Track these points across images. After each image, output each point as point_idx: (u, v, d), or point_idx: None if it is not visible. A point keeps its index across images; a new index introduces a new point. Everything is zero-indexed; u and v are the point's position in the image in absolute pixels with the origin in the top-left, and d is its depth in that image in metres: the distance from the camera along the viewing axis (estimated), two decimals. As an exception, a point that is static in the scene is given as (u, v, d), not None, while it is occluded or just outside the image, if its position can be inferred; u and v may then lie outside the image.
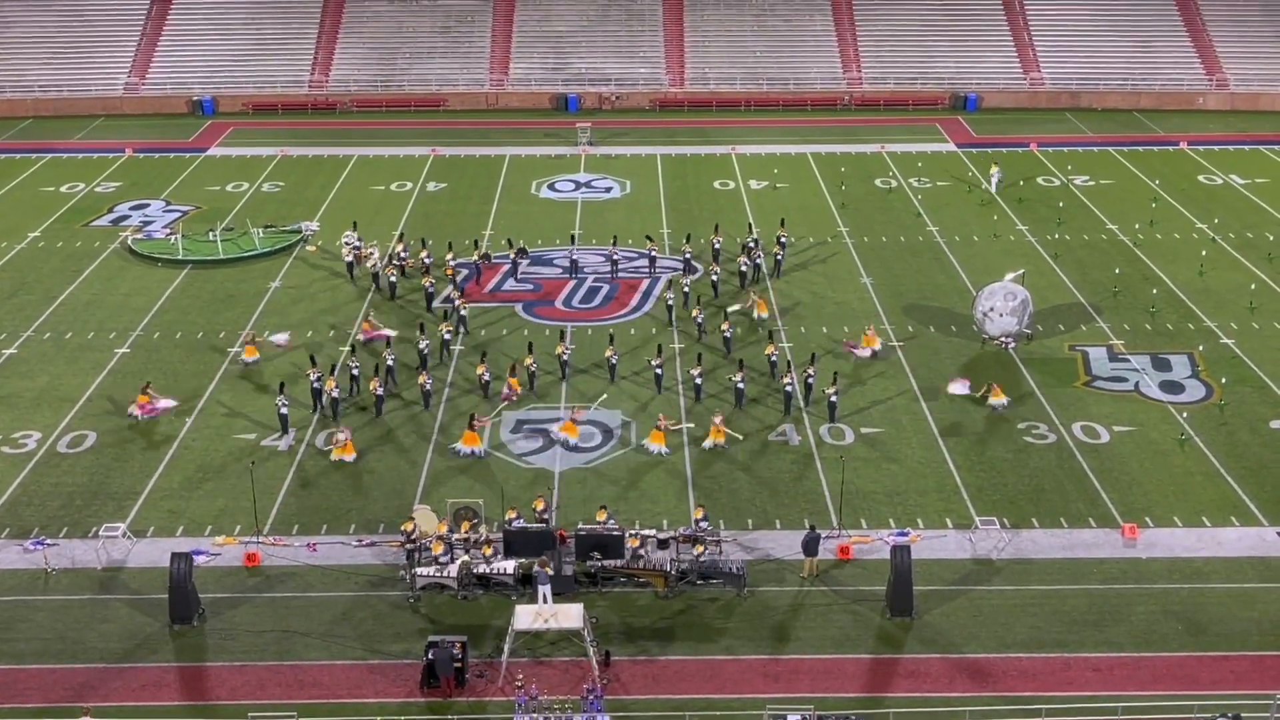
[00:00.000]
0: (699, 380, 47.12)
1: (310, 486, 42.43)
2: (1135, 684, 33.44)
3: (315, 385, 46.82)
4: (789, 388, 47.02)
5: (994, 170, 69.71)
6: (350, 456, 43.51)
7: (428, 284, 55.52)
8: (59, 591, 37.23)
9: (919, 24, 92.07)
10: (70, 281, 58.76)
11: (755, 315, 53.39)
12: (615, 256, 58.97)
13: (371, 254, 57.58)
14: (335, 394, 46.20)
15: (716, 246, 58.78)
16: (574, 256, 60.05)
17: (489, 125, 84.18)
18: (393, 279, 56.24)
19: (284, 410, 45.55)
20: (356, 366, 48.23)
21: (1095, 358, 51.09)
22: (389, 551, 38.69)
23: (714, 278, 56.22)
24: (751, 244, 59.12)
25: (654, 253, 59.71)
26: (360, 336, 51.74)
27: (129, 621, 35.88)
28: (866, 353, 50.37)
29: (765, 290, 56.23)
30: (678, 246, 61.16)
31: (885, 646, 34.96)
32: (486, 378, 47.36)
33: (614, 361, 48.39)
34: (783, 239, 59.56)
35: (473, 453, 43.59)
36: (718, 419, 44.41)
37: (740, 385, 46.58)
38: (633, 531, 38.00)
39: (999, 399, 46.72)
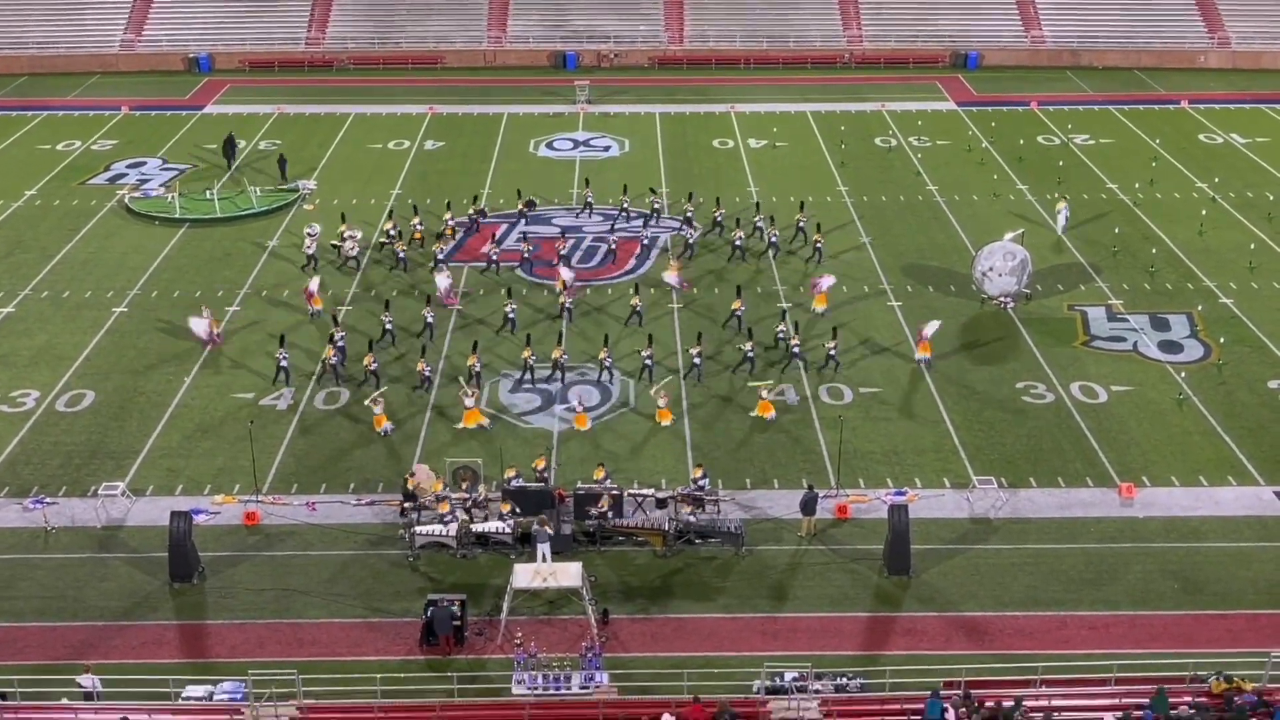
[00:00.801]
0: (698, 360, 46.04)
1: (309, 445, 42.45)
2: (1131, 642, 33.60)
3: (340, 344, 46.61)
4: (796, 349, 46.74)
5: (1061, 208, 59.14)
6: (386, 426, 42.81)
7: (438, 250, 55.27)
8: (58, 550, 37.32)
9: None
10: (67, 240, 58.57)
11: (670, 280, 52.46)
12: (657, 205, 59.69)
13: (352, 237, 55.36)
14: (374, 366, 45.33)
15: (718, 219, 58.25)
16: (625, 204, 60.16)
17: (487, 83, 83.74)
18: (401, 254, 54.71)
19: (284, 364, 45.55)
20: (390, 320, 48.54)
21: (1094, 317, 51.03)
22: (388, 510, 38.78)
23: (690, 239, 56.22)
24: (761, 224, 57.42)
25: (658, 205, 59.91)
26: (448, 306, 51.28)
27: (128, 580, 35.99)
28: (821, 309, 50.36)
29: (768, 264, 55.62)
30: (679, 206, 60.94)
31: (883, 605, 35.09)
32: (478, 367, 45.35)
33: (563, 361, 45.94)
34: (801, 223, 57.37)
35: (480, 428, 43.15)
36: (764, 392, 43.81)
37: (750, 354, 46.21)
38: (607, 487, 37.84)
39: (925, 354, 46.81)
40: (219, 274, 55.02)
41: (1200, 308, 51.63)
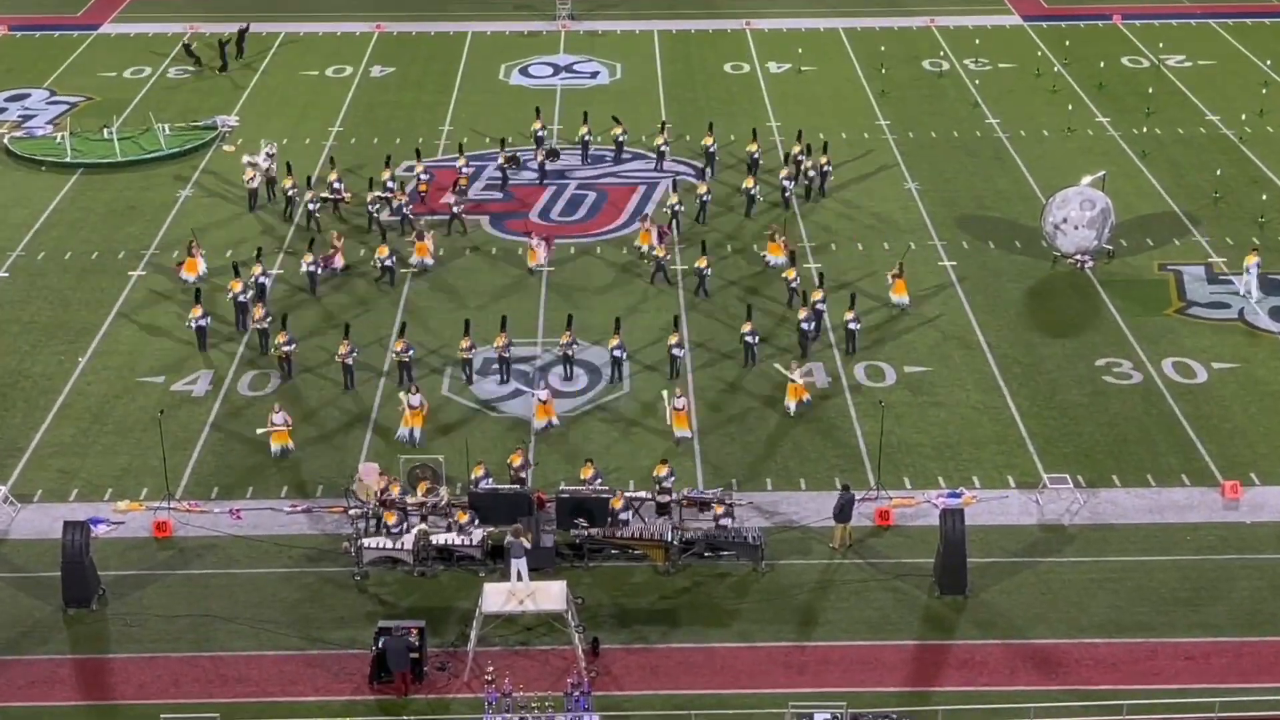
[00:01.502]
0: (751, 340, 45.70)
1: (233, 440, 42.55)
2: (1236, 674, 33.75)
3: (241, 300, 47.17)
4: (805, 325, 46.45)
5: (1251, 262, 50.34)
6: (286, 445, 42.01)
7: (371, 205, 54.81)
8: (-73, 569, 37.49)
9: None
10: (-67, 190, 58.74)
11: (635, 244, 52.66)
12: (661, 147, 59.92)
13: (263, 166, 55.67)
14: (289, 347, 45.38)
15: (756, 157, 57.84)
16: (662, 149, 59.99)
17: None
18: (313, 207, 54.43)
19: (202, 323, 46.04)
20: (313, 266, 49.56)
21: (1191, 279, 51.19)
22: (329, 519, 38.90)
23: (704, 198, 55.17)
24: (801, 155, 57.42)
25: (663, 146, 59.88)
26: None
27: (13, 605, 36.06)
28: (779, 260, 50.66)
29: (792, 215, 55.65)
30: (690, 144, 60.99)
31: (933, 631, 35.27)
32: (408, 355, 44.87)
33: (506, 354, 45.31)
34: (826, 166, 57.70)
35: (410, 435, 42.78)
36: (795, 375, 43.50)
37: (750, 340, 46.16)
38: (597, 489, 38.17)
39: (901, 296, 47.78)
40: (120, 230, 55.07)
41: (1321, 267, 51.83)
